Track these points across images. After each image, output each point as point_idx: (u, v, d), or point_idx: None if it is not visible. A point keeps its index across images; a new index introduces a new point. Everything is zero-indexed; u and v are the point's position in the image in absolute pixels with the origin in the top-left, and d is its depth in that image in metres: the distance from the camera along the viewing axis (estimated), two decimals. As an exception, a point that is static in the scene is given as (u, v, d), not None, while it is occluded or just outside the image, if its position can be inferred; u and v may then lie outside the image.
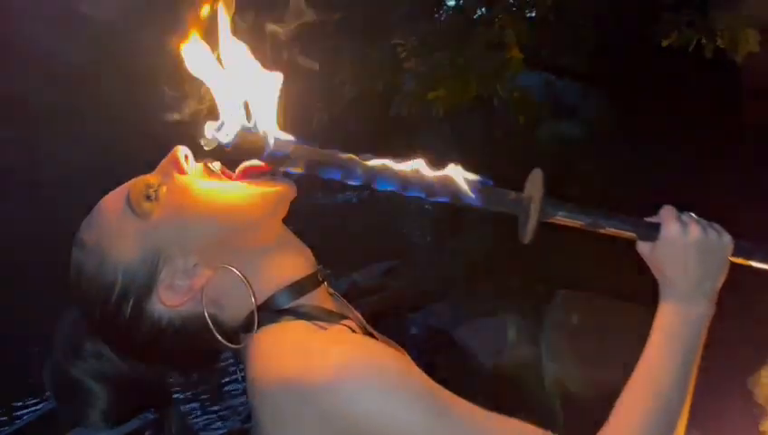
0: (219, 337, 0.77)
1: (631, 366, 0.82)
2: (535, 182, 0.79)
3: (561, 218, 0.81)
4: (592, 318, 5.65)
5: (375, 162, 0.75)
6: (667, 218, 0.83)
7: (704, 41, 3.06)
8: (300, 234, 0.86)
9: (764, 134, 4.94)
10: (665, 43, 3.41)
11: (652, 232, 0.83)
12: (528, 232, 0.78)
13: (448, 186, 0.76)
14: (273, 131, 0.75)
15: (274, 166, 0.76)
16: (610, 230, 0.83)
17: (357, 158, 0.75)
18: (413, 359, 0.86)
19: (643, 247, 0.85)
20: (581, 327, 5.46)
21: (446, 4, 5.13)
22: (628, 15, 5.64)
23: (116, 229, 0.77)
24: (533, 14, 4.95)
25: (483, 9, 4.31)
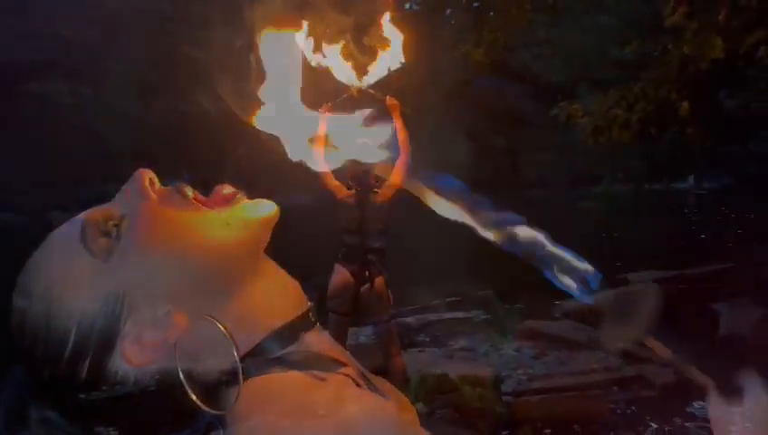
0: (196, 399, 0.64)
1: (591, 375, 0.80)
2: (649, 298, 0.76)
3: (655, 343, 0.77)
4: (555, 327, 5.70)
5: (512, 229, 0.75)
6: (756, 387, 0.78)
7: (670, 47, 3.08)
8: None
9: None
10: (627, 50, 3.42)
11: (735, 393, 0.79)
12: (619, 341, 0.76)
13: (570, 272, 0.74)
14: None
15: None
16: (694, 374, 0.79)
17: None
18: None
19: (715, 401, 0.79)
20: (541, 337, 5.49)
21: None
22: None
23: (68, 272, 0.64)
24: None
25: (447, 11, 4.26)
